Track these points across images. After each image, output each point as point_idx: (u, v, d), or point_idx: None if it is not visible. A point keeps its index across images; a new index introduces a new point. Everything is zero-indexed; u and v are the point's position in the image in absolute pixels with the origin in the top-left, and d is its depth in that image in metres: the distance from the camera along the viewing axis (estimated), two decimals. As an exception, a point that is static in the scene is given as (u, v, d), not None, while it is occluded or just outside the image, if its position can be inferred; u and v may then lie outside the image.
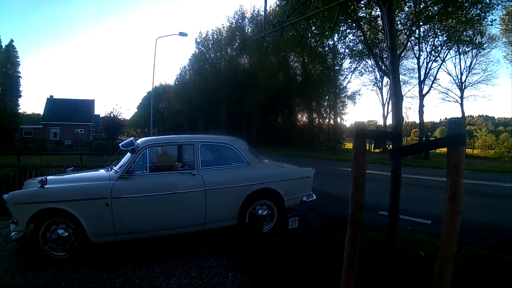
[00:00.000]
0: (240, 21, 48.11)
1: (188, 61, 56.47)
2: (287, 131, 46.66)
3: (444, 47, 26.81)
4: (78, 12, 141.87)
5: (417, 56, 27.83)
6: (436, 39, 25.99)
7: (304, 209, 7.10)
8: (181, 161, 6.18)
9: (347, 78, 38.65)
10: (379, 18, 23.80)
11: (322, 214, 7.14)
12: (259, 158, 6.04)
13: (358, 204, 2.18)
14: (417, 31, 25.21)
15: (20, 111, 55.75)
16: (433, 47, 26.43)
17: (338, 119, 41.14)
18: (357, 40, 30.60)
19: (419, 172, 13.67)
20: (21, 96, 52.58)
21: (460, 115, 35.77)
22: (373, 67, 35.66)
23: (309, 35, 27.50)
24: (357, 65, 36.67)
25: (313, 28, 21.58)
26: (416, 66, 28.69)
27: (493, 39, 30.62)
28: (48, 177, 4.89)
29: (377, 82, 38.34)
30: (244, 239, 4.85)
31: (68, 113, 52.28)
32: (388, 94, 36.01)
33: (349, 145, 43.56)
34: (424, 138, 27.64)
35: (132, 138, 5.76)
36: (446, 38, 24.94)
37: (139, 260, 4.45)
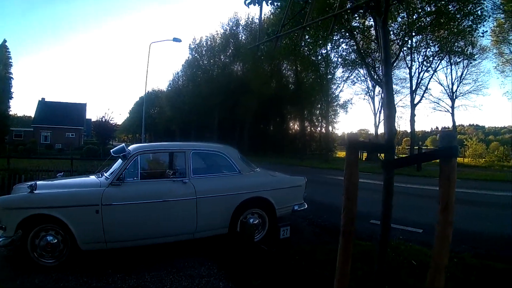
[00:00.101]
0: (234, 28, 48.19)
1: (181, 67, 56.48)
2: (279, 139, 46.67)
3: (436, 58, 27.08)
4: (72, 15, 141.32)
5: (409, 66, 28.03)
6: (428, 49, 26.23)
7: (296, 218, 7.10)
8: (173, 168, 6.18)
9: (339, 87, 38.91)
10: (372, 28, 24.05)
11: (313, 223, 7.14)
12: (251, 167, 6.04)
13: (351, 215, 2.18)
14: (409, 41, 25.48)
15: (11, 113, 55.10)
16: (425, 58, 26.66)
17: (330, 128, 41.28)
18: (350, 50, 30.87)
19: (410, 181, 13.75)
20: (12, 97, 51.90)
21: (451, 124, 36.27)
22: (366, 77, 36.01)
23: (303, 44, 27.62)
24: (350, 74, 36.93)
25: (307, 37, 21.68)
26: (408, 75, 28.93)
27: (484, 50, 31.11)
28: (38, 182, 4.83)
29: (369, 91, 38.64)
30: (236, 248, 4.83)
31: (59, 116, 51.74)
32: (380, 103, 36.29)
33: (340, 154, 43.71)
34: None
35: (123, 144, 5.73)
36: (438, 48, 25.18)
37: (129, 268, 4.41)
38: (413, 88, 27.81)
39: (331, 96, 38.21)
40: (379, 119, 37.34)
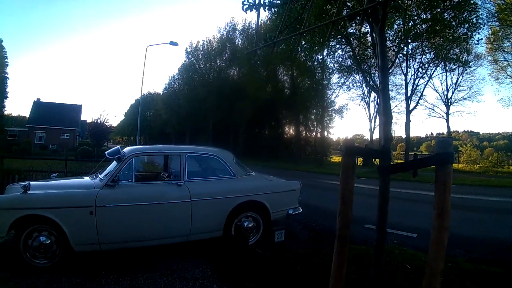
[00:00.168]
0: (231, 32, 48.19)
1: (178, 70, 56.15)
2: (274, 143, 46.59)
3: (431, 64, 27.28)
4: (70, 16, 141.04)
5: (404, 72, 28.22)
6: (424, 56, 26.45)
7: (291, 221, 7.10)
8: (168, 171, 6.17)
9: (335, 92, 39.30)
10: (368, 35, 24.17)
11: (308, 227, 7.14)
12: (246, 170, 6.04)
13: (346, 220, 2.19)
14: (405, 48, 25.64)
15: (5, 112, 54.80)
16: (421, 64, 26.87)
17: (325, 133, 41.47)
18: (346, 56, 31.13)
19: (404, 186, 13.79)
20: (7, 97, 51.71)
21: (446, 131, 36.49)
22: (361, 82, 36.21)
23: (299, 49, 27.72)
24: (345, 80, 37.29)
25: (303, 42, 21.75)
26: (403, 82, 29.08)
27: (479, 57, 31.50)
28: (32, 183, 4.80)
29: (365, 97, 38.98)
30: (230, 251, 4.83)
31: (54, 117, 51.43)
32: (376, 109, 36.44)
33: (335, 158, 43.91)
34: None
35: (118, 146, 5.71)
36: (433, 55, 25.35)
37: (123, 270, 4.39)
38: (409, 94, 28.00)
39: (327, 101, 38.48)
40: (374, 125, 37.53)
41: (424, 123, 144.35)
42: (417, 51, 26.25)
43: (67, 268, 4.34)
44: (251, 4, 3.12)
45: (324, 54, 32.54)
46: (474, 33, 20.82)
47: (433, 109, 36.22)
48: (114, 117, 76.68)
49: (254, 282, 3.93)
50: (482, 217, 8.41)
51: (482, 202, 10.92)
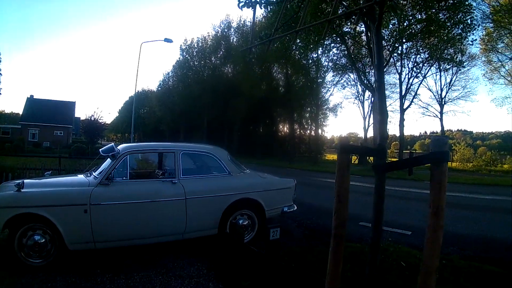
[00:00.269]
0: (226, 30, 48.01)
1: (172, 67, 55.92)
2: (268, 141, 46.58)
3: (425, 64, 27.40)
4: (64, 13, 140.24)
5: (399, 71, 28.31)
6: (418, 56, 26.60)
7: (285, 219, 7.12)
8: (162, 168, 6.16)
9: (329, 90, 39.23)
10: (363, 34, 24.26)
11: (303, 225, 7.15)
12: (241, 168, 6.04)
13: (342, 218, 2.20)
14: (400, 47, 25.75)
15: (-2, 109, 54.26)
16: (415, 64, 27.03)
17: (319, 131, 41.49)
18: (341, 54, 31.19)
19: (399, 184, 13.86)
20: (0, 94, 51.18)
21: (439, 129, 36.67)
22: (355, 81, 36.23)
23: (294, 47, 27.73)
24: (340, 79, 37.25)
25: (298, 41, 21.76)
26: (397, 81, 29.18)
27: (473, 57, 31.66)
28: (25, 181, 4.76)
29: (359, 95, 38.98)
30: (225, 249, 4.83)
31: (48, 114, 51.04)
32: (370, 108, 36.57)
33: (329, 156, 43.99)
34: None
35: (112, 143, 5.69)
36: (428, 55, 25.48)
37: (118, 268, 4.38)
38: (403, 93, 28.09)
39: (321, 99, 38.46)
40: (369, 123, 37.66)
41: (418, 122, 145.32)
42: (412, 50, 26.41)
43: (62, 267, 4.32)
44: (247, 1, 3.11)
45: (319, 52, 32.61)
46: (468, 34, 21.04)
47: (427, 108, 36.39)
48: (108, 114, 76.36)
49: (249, 280, 3.94)
50: (476, 215, 8.47)
51: (476, 201, 11.01)
